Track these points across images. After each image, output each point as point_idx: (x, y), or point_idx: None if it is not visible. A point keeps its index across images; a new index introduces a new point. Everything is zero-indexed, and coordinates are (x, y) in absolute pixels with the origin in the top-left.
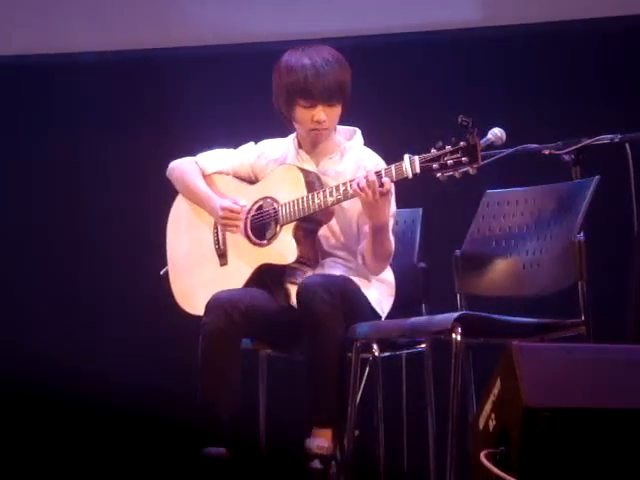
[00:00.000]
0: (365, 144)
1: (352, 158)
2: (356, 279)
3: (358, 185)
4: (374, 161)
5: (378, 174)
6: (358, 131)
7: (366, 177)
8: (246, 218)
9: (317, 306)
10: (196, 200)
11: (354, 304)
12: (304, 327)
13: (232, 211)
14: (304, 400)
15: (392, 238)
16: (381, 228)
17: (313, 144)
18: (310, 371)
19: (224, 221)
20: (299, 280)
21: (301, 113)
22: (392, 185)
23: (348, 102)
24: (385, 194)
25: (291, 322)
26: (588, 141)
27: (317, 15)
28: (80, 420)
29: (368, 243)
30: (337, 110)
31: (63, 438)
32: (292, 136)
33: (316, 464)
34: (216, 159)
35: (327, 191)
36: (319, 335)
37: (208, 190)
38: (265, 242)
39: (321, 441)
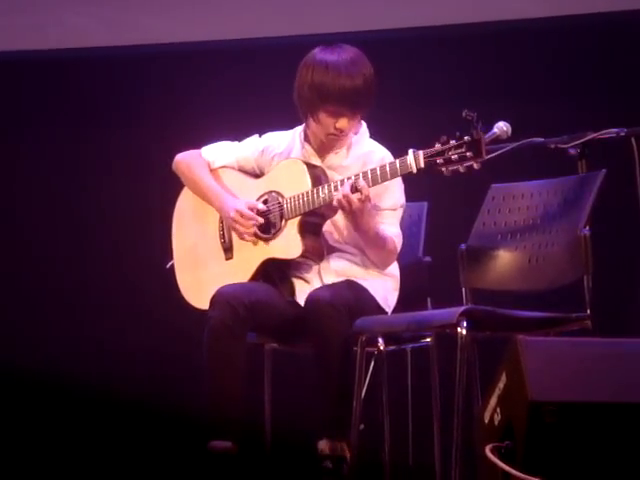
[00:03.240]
0: (370, 138)
1: (358, 152)
2: (362, 272)
3: (338, 202)
4: (380, 154)
5: (355, 182)
6: (364, 124)
7: (342, 194)
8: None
9: (324, 324)
10: (203, 196)
11: (360, 308)
12: (312, 342)
13: (243, 216)
14: (311, 398)
15: (398, 231)
16: (367, 233)
17: (330, 145)
18: (319, 385)
19: (235, 225)
20: (305, 275)
21: (325, 118)
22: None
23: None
24: (364, 201)
25: (296, 316)
26: (594, 135)
27: (319, 11)
28: (86, 414)
29: (364, 244)
30: (359, 118)
31: (69, 432)
32: (298, 129)
33: (328, 464)
34: (221, 153)
35: (332, 185)
36: (326, 353)
37: (216, 186)
38: (270, 236)
39: (334, 444)
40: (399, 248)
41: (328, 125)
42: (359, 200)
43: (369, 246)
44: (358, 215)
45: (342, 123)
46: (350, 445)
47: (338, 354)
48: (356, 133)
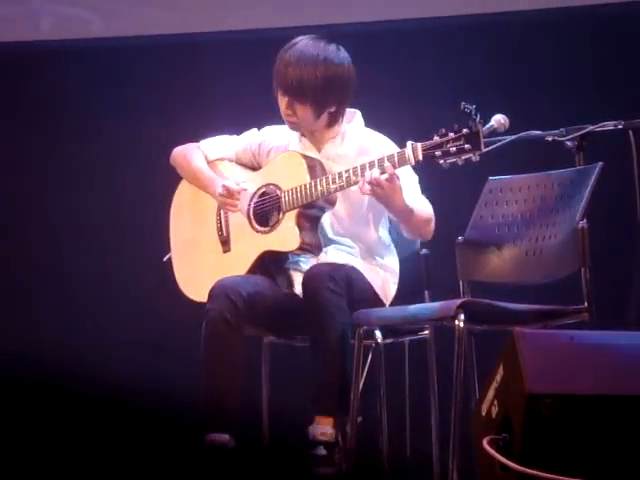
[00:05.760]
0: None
1: (353, 140)
2: (361, 265)
3: (364, 188)
4: (377, 142)
5: (380, 163)
6: (358, 113)
7: (369, 180)
8: (249, 205)
9: (322, 295)
10: (200, 184)
11: (358, 292)
12: (308, 315)
13: (229, 190)
14: (308, 387)
15: (424, 201)
16: (401, 211)
17: (311, 132)
18: (314, 359)
19: (222, 199)
20: (302, 267)
21: (279, 102)
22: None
23: (321, 104)
24: (391, 180)
25: (294, 309)
26: (591, 128)
27: (321, 2)
28: (81, 407)
29: (401, 225)
30: (301, 109)
31: (64, 425)
32: None
33: (321, 451)
34: (219, 145)
35: (330, 178)
36: (323, 323)
37: (211, 173)
38: (268, 229)
39: (324, 428)
40: (433, 213)
41: (282, 109)
42: (387, 180)
43: (406, 223)
44: (390, 195)
45: (282, 105)
46: (344, 429)
47: (333, 325)
48: (349, 122)
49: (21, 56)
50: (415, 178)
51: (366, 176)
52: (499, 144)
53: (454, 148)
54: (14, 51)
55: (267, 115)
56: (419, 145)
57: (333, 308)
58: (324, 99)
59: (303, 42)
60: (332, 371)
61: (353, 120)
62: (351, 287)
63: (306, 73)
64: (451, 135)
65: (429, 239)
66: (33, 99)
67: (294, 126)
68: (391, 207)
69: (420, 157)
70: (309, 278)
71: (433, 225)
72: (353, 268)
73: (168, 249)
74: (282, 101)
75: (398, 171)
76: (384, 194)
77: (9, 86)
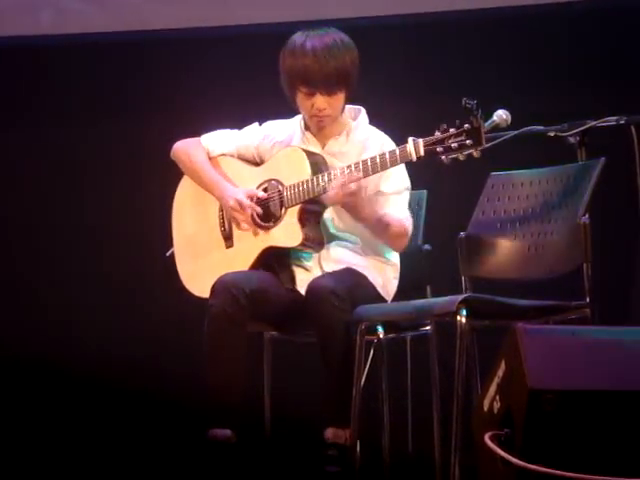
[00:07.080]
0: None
1: (357, 137)
2: (362, 261)
3: (332, 197)
4: (380, 140)
5: (382, 158)
6: (363, 110)
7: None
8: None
9: (326, 312)
10: (203, 184)
11: (361, 296)
12: (312, 328)
13: (242, 205)
14: (310, 386)
15: (406, 214)
16: (367, 221)
17: (321, 126)
18: (323, 373)
19: (233, 213)
20: (304, 263)
21: (302, 100)
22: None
23: (353, 87)
24: (355, 194)
25: (296, 305)
26: (593, 123)
27: None
28: (85, 402)
29: (370, 232)
30: (339, 98)
31: (68, 419)
32: (298, 117)
33: (333, 451)
34: (221, 140)
35: (332, 174)
36: (328, 342)
37: (216, 175)
38: (270, 224)
39: (339, 432)
40: (410, 229)
41: (307, 107)
42: (350, 194)
43: (374, 233)
44: (352, 207)
45: (319, 103)
46: (352, 433)
47: (341, 342)
48: (354, 119)
49: (20, 50)
50: (406, 191)
51: (336, 184)
52: (501, 139)
53: (455, 144)
54: (13, 45)
55: (268, 110)
56: (420, 141)
57: (337, 326)
58: (354, 81)
59: (310, 36)
60: (342, 383)
61: (358, 117)
62: (354, 295)
63: (342, 61)
64: (452, 131)
65: (400, 252)
66: (32, 95)
67: (322, 121)
68: (355, 217)
69: (422, 153)
70: (312, 293)
71: (406, 240)
72: (355, 273)
73: (171, 245)
74: (310, 99)
75: (390, 183)
76: (347, 208)
77: (8, 81)
